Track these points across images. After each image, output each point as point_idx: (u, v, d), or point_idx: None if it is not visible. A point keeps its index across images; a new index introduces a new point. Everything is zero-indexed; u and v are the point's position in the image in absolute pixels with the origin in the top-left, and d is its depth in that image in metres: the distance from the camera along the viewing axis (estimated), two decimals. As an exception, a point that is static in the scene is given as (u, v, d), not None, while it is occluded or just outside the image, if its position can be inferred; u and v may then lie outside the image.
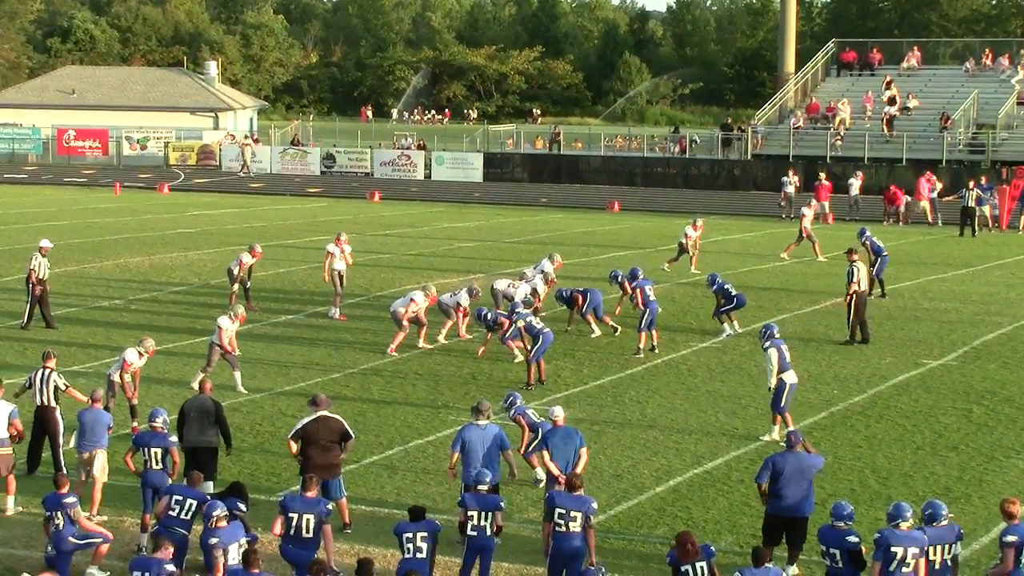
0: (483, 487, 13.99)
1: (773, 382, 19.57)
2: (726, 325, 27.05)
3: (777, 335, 19.90)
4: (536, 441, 16.40)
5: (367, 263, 35.55)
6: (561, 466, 15.15)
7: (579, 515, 13.51)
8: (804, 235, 37.83)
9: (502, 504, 14.11)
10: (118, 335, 26.59)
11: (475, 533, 13.72)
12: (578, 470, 15.09)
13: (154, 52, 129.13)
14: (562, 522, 13.51)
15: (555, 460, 15.23)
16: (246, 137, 73.72)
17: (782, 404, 19.52)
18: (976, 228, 45.15)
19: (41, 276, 27.10)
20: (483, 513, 13.74)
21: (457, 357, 24.81)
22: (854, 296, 26.35)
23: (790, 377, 19.59)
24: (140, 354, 19.56)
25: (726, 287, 26.90)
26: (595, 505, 13.88)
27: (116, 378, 19.43)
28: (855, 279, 26.33)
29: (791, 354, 20.09)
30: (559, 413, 15.83)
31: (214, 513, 13.33)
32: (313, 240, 41.04)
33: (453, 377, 23.43)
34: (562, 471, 15.02)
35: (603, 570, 12.87)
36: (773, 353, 19.55)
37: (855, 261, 26.71)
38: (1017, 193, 48.26)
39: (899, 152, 58.88)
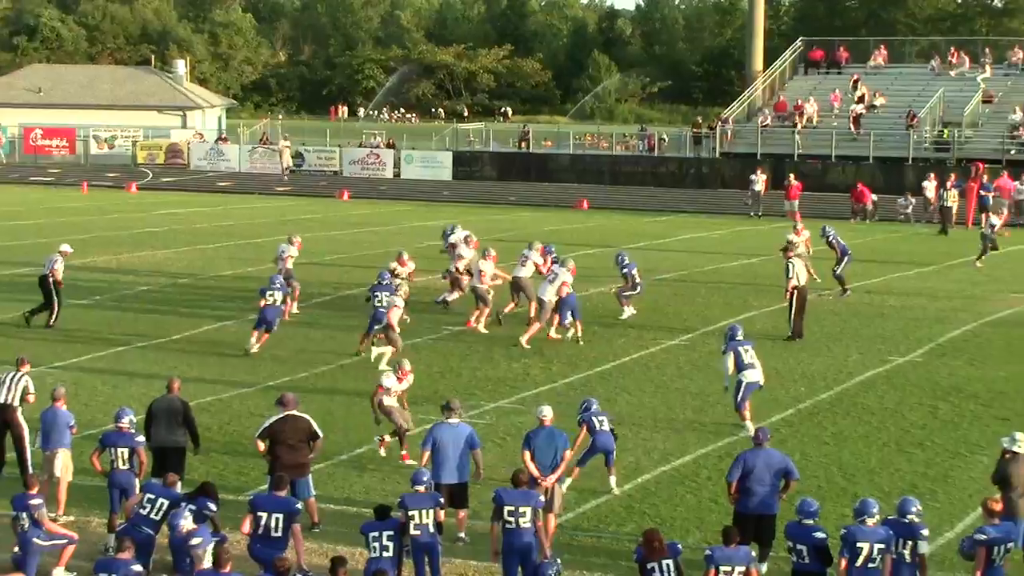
0: (420, 487, 13.92)
1: (729, 384, 19.85)
2: (626, 308, 27.98)
3: (739, 336, 20.01)
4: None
5: (335, 262, 35.43)
6: (543, 468, 15.01)
7: (528, 510, 13.59)
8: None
9: (441, 500, 14.10)
10: (83, 334, 26.49)
11: (418, 532, 13.68)
12: (558, 473, 15.10)
13: (122, 50, 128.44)
14: (512, 519, 13.57)
15: (536, 461, 15.07)
16: (285, 139, 73.04)
17: (738, 399, 19.67)
18: (948, 226, 45.50)
19: (59, 278, 27.38)
20: (423, 511, 13.71)
21: (426, 355, 24.79)
22: (795, 292, 26.50)
23: (749, 376, 19.70)
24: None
25: (632, 272, 28.20)
26: (542, 498, 13.99)
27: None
28: (792, 275, 26.47)
29: (758, 351, 20.20)
30: (547, 413, 15.58)
31: (179, 523, 13.27)
32: (282, 239, 40.88)
33: (421, 375, 23.33)
34: (543, 473, 14.99)
35: (557, 562, 12.93)
36: (729, 357, 19.75)
37: (791, 258, 26.90)
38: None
39: (866, 150, 59.18)
